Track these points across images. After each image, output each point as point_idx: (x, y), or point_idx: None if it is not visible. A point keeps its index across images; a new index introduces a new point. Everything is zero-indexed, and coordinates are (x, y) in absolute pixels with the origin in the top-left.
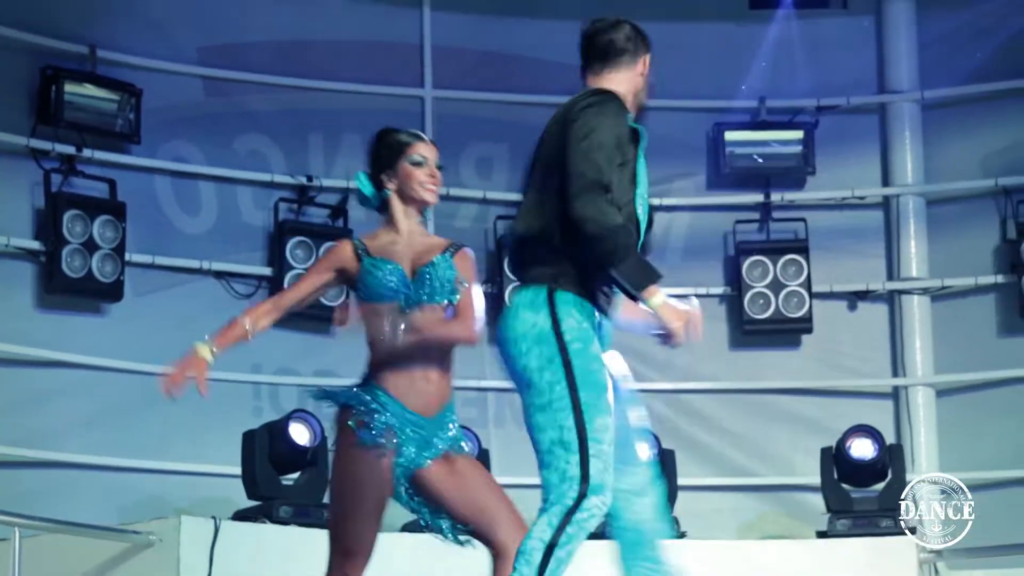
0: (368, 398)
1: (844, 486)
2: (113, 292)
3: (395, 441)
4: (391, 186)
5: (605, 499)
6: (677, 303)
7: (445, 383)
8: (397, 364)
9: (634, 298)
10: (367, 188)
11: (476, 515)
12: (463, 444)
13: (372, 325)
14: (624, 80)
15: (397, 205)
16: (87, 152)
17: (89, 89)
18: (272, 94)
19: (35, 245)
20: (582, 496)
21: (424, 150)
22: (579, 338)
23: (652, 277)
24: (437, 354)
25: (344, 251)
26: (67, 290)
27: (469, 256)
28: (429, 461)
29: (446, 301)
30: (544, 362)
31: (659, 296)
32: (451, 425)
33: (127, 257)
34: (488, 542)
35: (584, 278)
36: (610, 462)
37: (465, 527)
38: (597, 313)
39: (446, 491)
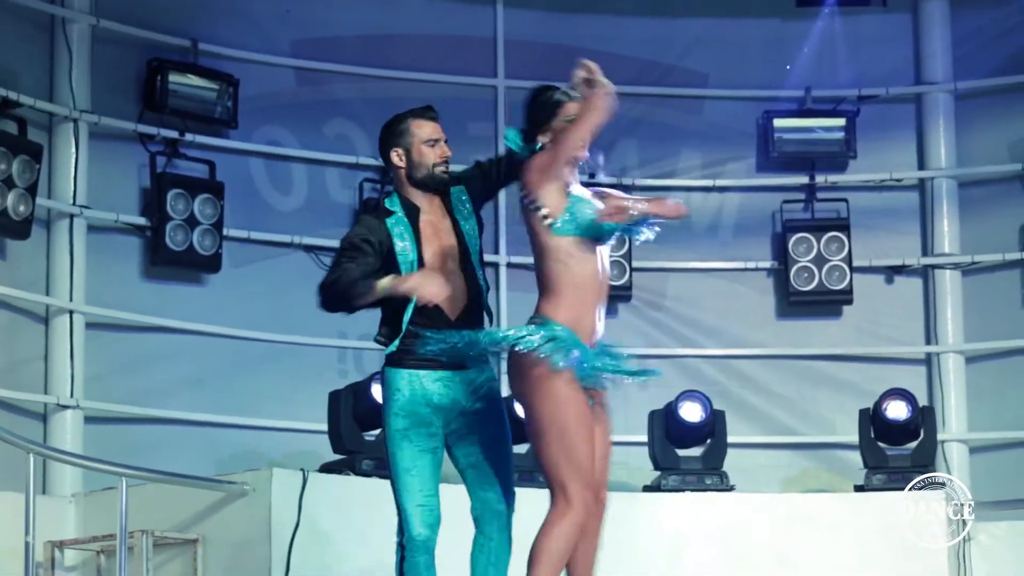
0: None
1: (880, 444)
2: (212, 264)
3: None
4: (544, 139)
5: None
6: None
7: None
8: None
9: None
10: (515, 143)
11: (598, 463)
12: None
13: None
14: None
15: None
16: (189, 136)
17: (191, 79)
18: (358, 83)
19: (141, 221)
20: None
21: (574, 110)
22: None
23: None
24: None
25: None
26: (170, 262)
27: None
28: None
29: None
30: None
31: (383, 281)
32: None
33: (225, 232)
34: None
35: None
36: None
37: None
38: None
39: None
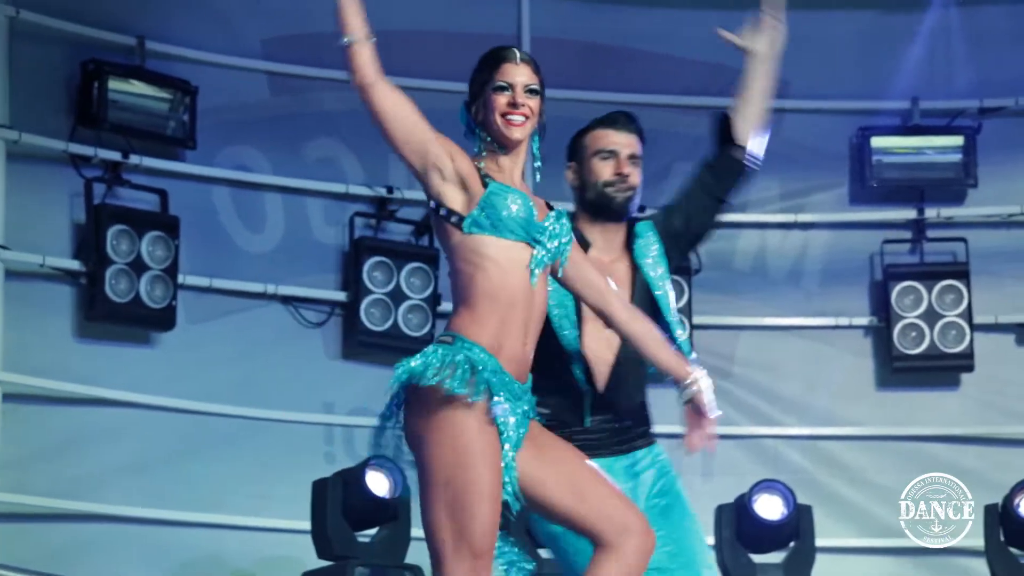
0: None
1: (1012, 550)
2: (164, 319)
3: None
4: None
5: None
6: None
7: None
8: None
9: None
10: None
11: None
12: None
13: None
14: None
15: None
16: (134, 159)
17: (137, 86)
18: (348, 92)
19: (75, 265)
20: None
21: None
22: None
23: None
24: None
25: None
26: (111, 317)
27: None
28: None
29: None
30: None
31: None
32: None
33: (180, 279)
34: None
35: None
36: None
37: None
38: None
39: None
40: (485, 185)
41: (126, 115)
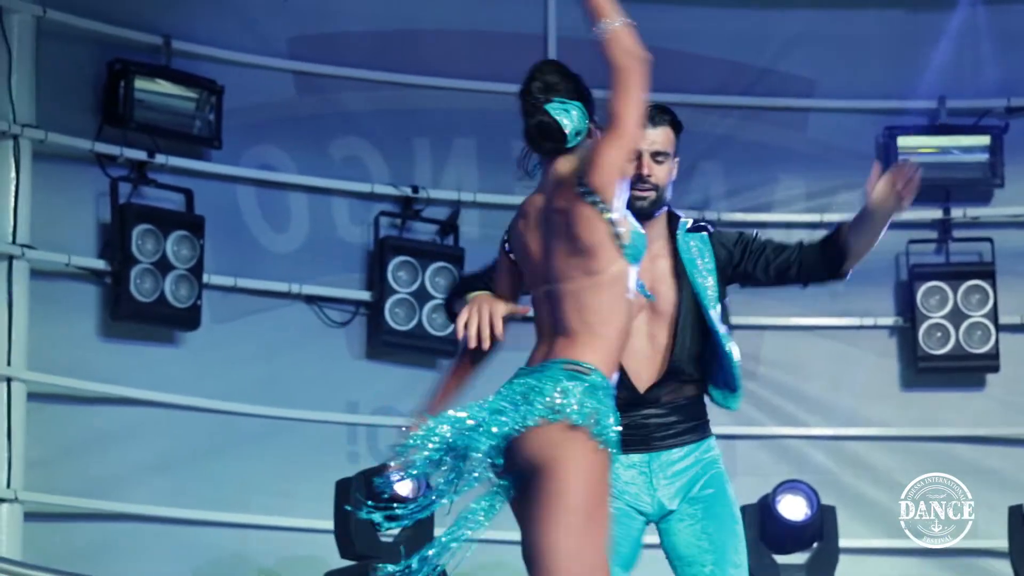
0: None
1: None
2: (189, 319)
3: None
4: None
5: None
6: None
7: None
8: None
9: None
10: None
11: None
12: None
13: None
14: None
15: None
16: (160, 158)
17: (163, 86)
18: (373, 92)
19: (100, 264)
20: None
21: None
22: None
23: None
24: None
25: None
26: (136, 316)
27: None
28: None
29: None
30: None
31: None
32: None
33: (205, 279)
34: None
35: None
36: None
37: None
38: None
39: None
40: None
41: (152, 114)
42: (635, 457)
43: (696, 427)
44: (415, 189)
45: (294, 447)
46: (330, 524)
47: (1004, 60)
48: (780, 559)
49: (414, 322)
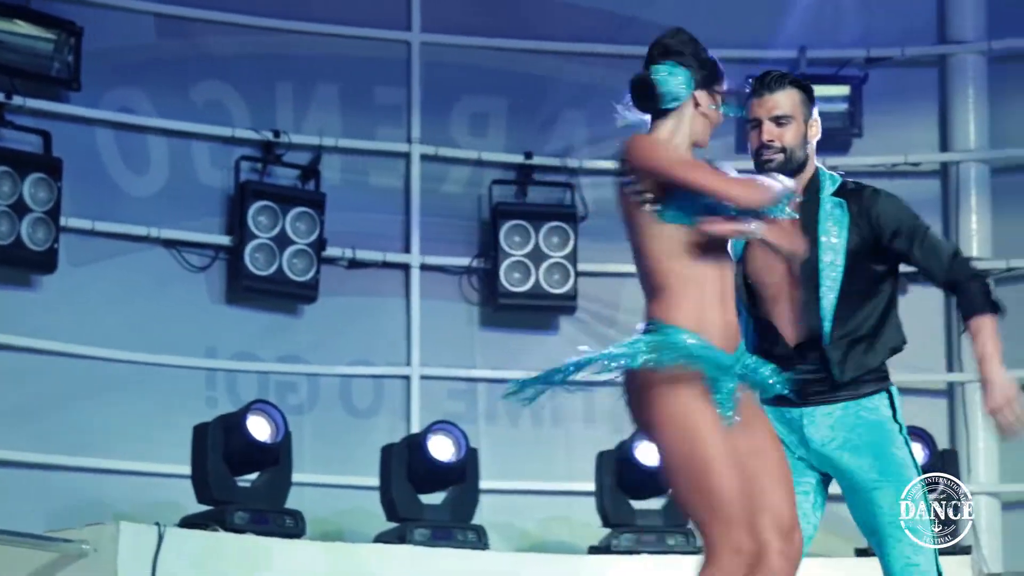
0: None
1: None
2: (46, 262)
3: None
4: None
5: None
6: None
7: None
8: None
9: None
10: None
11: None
12: None
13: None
14: None
15: None
16: (17, 100)
17: (21, 26)
18: (235, 35)
19: None
20: None
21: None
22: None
23: None
24: None
25: None
26: None
27: None
28: None
29: None
30: None
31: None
32: None
33: (62, 222)
34: None
35: None
36: None
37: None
38: None
39: None
40: None
41: (10, 55)
42: (793, 412)
43: (857, 381)
44: (276, 134)
45: (153, 392)
46: (187, 469)
47: (864, 11)
48: (638, 505)
49: (274, 267)
